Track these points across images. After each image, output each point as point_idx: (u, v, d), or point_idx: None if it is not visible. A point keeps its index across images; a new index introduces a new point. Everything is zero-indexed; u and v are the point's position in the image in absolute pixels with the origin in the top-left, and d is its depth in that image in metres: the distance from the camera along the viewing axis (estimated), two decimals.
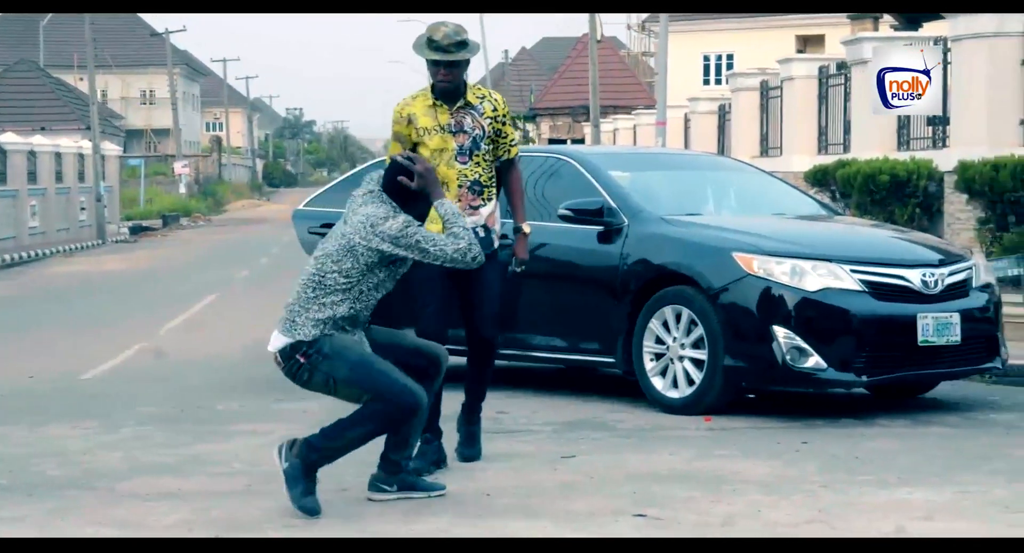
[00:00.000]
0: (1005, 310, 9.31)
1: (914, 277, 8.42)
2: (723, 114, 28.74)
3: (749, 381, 8.42)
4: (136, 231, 40.48)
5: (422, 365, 6.12)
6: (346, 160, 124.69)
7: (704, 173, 10.44)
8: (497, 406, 8.72)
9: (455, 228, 5.96)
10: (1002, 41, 13.91)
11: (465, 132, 6.86)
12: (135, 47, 74.89)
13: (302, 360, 5.89)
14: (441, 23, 6.74)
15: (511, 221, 7.15)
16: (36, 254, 29.82)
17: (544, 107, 49.54)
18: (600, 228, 8.97)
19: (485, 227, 6.90)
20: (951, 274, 8.59)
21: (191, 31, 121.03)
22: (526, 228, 7.08)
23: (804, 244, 8.56)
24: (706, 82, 44.85)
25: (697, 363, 8.42)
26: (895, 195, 14.95)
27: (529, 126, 50.11)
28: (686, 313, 8.47)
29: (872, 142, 17.29)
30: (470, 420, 7.12)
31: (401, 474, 6.17)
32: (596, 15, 36.06)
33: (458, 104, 6.86)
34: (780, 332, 8.18)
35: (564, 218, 9.01)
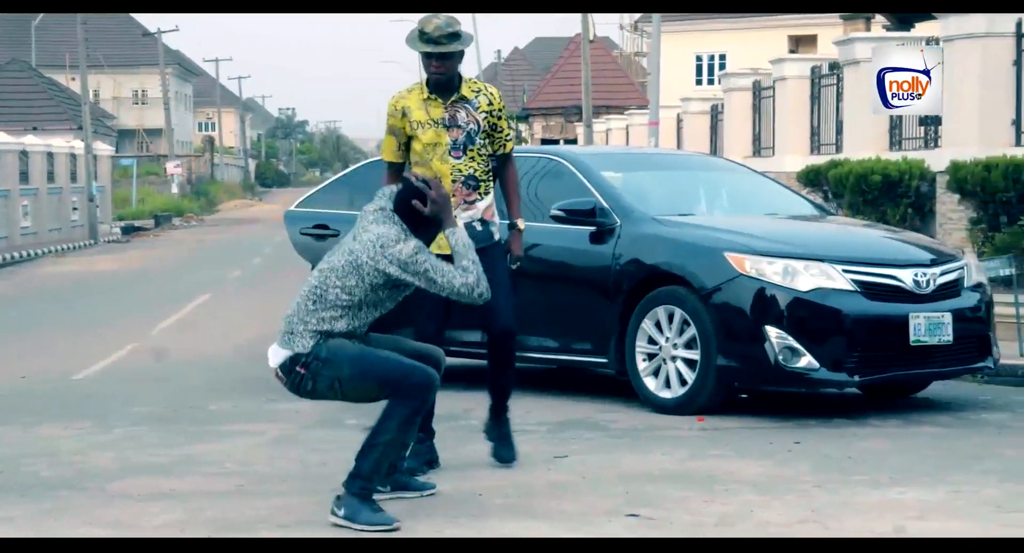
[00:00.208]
0: (996, 310, 9.32)
1: (906, 277, 8.43)
2: (715, 114, 28.76)
3: (742, 381, 8.43)
4: (128, 231, 40.42)
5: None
6: (339, 160, 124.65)
7: (696, 173, 10.45)
8: None
9: (465, 261, 5.85)
10: (994, 41, 13.93)
11: (459, 126, 6.80)
12: (127, 47, 74.81)
13: (302, 371, 5.80)
14: (433, 15, 6.69)
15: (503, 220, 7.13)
16: (28, 254, 29.78)
17: (537, 107, 49.51)
18: (592, 228, 8.97)
19: (482, 221, 6.85)
20: (943, 274, 8.61)
21: (183, 31, 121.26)
22: (520, 224, 7.01)
23: (796, 244, 8.57)
24: (699, 82, 44.89)
25: (690, 363, 8.43)
26: (887, 195, 14.96)
27: (522, 126, 50.10)
28: (679, 313, 8.47)
29: (864, 142, 17.32)
30: (499, 421, 6.97)
31: (395, 474, 6.17)
32: (589, 15, 36.06)
33: (452, 98, 6.80)
34: (772, 332, 8.19)
35: (556, 218, 9.02)
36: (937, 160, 14.56)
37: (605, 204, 9.00)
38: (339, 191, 10.64)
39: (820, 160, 17.93)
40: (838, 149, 18.90)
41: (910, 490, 6.37)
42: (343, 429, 7.88)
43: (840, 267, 8.34)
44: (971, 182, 13.06)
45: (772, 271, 8.29)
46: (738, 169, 10.88)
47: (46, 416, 8.91)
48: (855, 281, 8.32)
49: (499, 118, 6.91)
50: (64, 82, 58.96)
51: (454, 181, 6.79)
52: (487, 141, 6.88)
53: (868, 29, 24.03)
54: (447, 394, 7.12)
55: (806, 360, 8.17)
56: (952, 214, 13.96)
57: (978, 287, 8.88)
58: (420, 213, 5.88)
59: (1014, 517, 5.86)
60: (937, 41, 14.58)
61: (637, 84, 48.94)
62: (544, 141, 45.52)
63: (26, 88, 49.48)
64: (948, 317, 8.42)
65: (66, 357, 12.35)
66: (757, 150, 24.20)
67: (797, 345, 8.17)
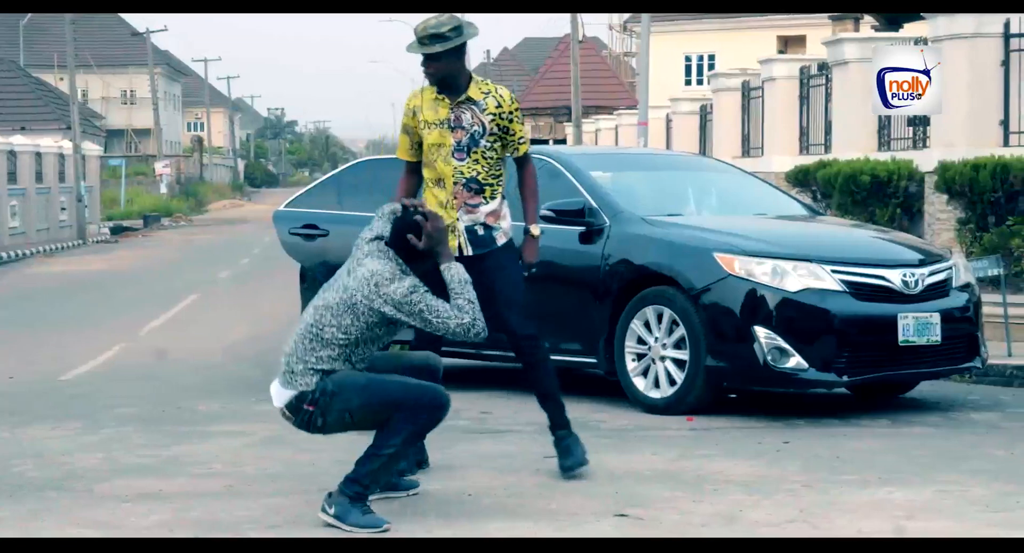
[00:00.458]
0: (984, 310, 9.34)
1: (894, 277, 8.44)
2: (704, 114, 28.77)
3: (731, 381, 8.44)
4: (117, 231, 40.34)
5: (422, 375, 6.02)
6: (328, 160, 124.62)
7: (685, 173, 10.45)
8: (480, 406, 8.73)
9: (460, 300, 5.77)
10: (982, 42, 13.95)
11: (463, 128, 6.66)
12: (116, 47, 74.68)
13: (311, 408, 5.72)
14: (432, 16, 6.65)
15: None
16: (16, 255, 29.71)
17: (526, 107, 49.42)
18: (581, 229, 8.97)
19: (485, 225, 6.70)
20: (931, 274, 8.62)
21: (172, 31, 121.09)
22: (535, 230, 6.82)
23: (785, 244, 8.58)
24: (688, 82, 44.91)
25: (679, 363, 8.44)
26: (876, 195, 14.98)
27: None
28: (668, 313, 8.48)
29: (853, 143, 17.34)
30: (554, 427, 6.74)
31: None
32: (578, 15, 36.10)
33: (459, 99, 6.68)
34: (761, 332, 8.19)
35: (545, 218, 8.98)
36: (926, 160, 14.58)
37: (594, 204, 9.00)
38: (328, 191, 10.63)
39: (809, 160, 17.95)
40: (827, 149, 18.91)
41: (899, 490, 6.38)
42: None
43: (829, 267, 8.34)
44: (959, 182, 13.08)
45: (761, 271, 8.30)
46: (727, 169, 10.88)
47: (34, 417, 8.89)
48: (844, 281, 8.32)
49: (510, 121, 6.70)
50: (52, 82, 58.85)
51: (455, 183, 6.67)
52: (495, 144, 6.71)
53: (857, 30, 24.05)
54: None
55: (795, 360, 8.18)
56: (940, 214, 13.98)
57: (966, 287, 8.89)
58: (415, 247, 5.81)
59: (1002, 517, 5.87)
60: (926, 41, 14.59)
61: (626, 84, 49.01)
62: (533, 141, 45.42)
63: (14, 88, 49.38)
64: (936, 317, 8.43)
65: (54, 357, 12.32)
66: (746, 150, 24.21)
67: (786, 345, 8.18)
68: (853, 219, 13.56)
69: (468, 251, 6.66)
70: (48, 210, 36.22)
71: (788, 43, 43.10)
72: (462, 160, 6.67)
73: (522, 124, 6.84)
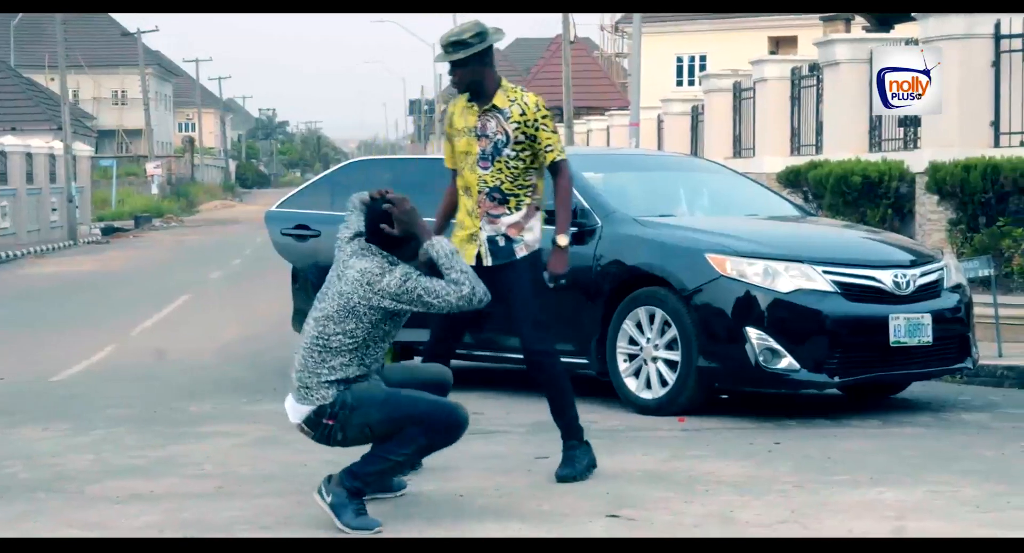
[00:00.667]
0: (976, 311, 9.35)
1: (886, 278, 8.45)
2: (696, 115, 28.80)
3: (722, 382, 8.44)
4: (108, 232, 40.27)
5: (434, 390, 5.98)
6: (319, 161, 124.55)
7: (677, 174, 10.46)
8: (472, 407, 8.68)
9: (453, 273, 5.70)
10: (973, 42, 13.98)
11: (487, 136, 6.59)
12: (107, 47, 74.56)
13: (330, 422, 5.69)
14: (461, 24, 6.64)
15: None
16: (7, 255, 29.65)
17: None
18: (573, 229, 8.96)
19: (506, 236, 6.59)
20: (923, 275, 8.63)
21: (164, 31, 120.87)
22: (560, 241, 6.61)
23: (776, 245, 8.58)
24: (679, 83, 44.93)
25: (671, 364, 8.44)
26: (867, 196, 15.01)
27: None
28: (659, 314, 8.48)
29: (844, 143, 17.36)
30: (565, 437, 6.69)
31: None
32: (569, 16, 36.10)
33: (486, 106, 6.62)
34: (753, 333, 8.20)
35: None
36: (917, 161, 14.61)
37: (586, 205, 9.00)
38: (320, 192, 10.62)
39: (800, 161, 17.98)
40: (818, 150, 18.95)
41: (890, 490, 6.39)
42: None
43: (820, 268, 8.35)
44: (950, 183, 13.11)
45: (753, 272, 8.31)
46: (719, 170, 10.89)
47: (24, 417, 8.87)
48: (835, 282, 8.33)
49: (536, 129, 6.56)
50: (43, 82, 58.72)
51: (479, 192, 6.60)
52: (523, 153, 6.58)
53: (848, 30, 24.08)
54: None
55: (786, 361, 8.18)
56: (931, 215, 14.01)
57: (957, 288, 8.90)
58: (392, 235, 5.78)
59: (993, 517, 5.87)
60: (916, 42, 14.61)
61: (618, 85, 49.03)
62: None
63: (5, 88, 49.26)
64: (928, 318, 8.44)
65: (45, 358, 12.30)
66: (738, 151, 24.24)
67: (777, 346, 8.18)
68: (844, 220, 13.59)
69: (488, 261, 6.60)
70: (39, 211, 36.17)
71: (779, 44, 43.14)
72: (486, 169, 6.60)
73: (553, 132, 6.67)
